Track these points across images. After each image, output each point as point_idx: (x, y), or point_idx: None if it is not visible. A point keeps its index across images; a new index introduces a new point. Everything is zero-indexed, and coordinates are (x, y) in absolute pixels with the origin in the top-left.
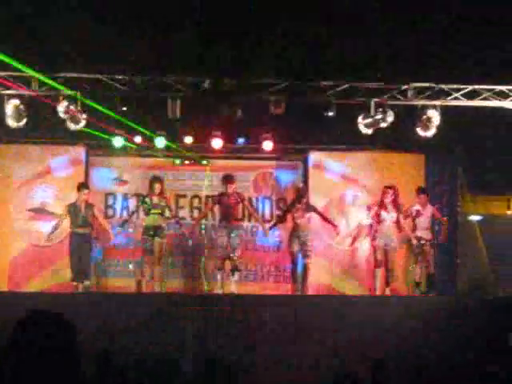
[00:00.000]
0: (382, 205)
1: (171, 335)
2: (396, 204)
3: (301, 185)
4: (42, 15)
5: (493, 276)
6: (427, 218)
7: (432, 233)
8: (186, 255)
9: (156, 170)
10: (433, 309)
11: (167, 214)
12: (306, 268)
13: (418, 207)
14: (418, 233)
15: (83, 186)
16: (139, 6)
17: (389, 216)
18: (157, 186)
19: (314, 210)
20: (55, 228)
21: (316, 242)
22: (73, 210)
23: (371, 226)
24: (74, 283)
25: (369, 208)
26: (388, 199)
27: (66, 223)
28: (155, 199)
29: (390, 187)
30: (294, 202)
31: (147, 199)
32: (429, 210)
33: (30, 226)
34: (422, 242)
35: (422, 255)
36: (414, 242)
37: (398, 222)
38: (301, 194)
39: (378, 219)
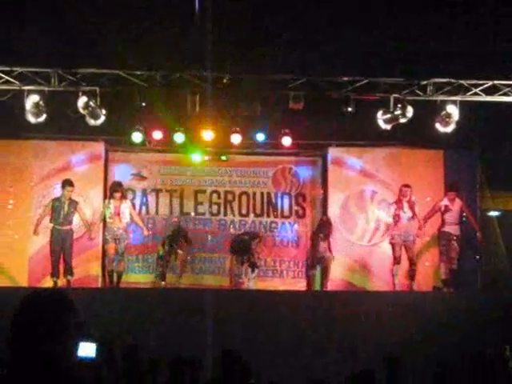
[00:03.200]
0: (399, 204)
1: (190, 331)
2: (411, 203)
3: (324, 217)
4: (61, 11)
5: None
6: (456, 212)
7: (460, 228)
8: (205, 251)
9: (175, 165)
10: (453, 305)
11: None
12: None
13: (446, 202)
14: (446, 228)
15: (67, 182)
16: (157, 3)
17: (405, 214)
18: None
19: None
20: (38, 221)
21: (335, 237)
22: (56, 205)
23: (389, 224)
24: (54, 279)
25: (389, 207)
26: (406, 198)
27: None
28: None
29: (406, 185)
30: (318, 234)
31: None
32: (457, 204)
33: (49, 221)
34: (450, 237)
35: (447, 252)
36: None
37: (413, 218)
38: (325, 224)
39: (397, 218)
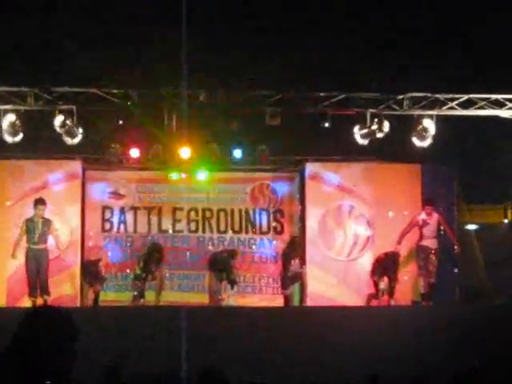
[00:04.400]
0: (380, 267)
1: (169, 348)
2: (394, 271)
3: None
4: (37, 30)
5: (490, 284)
6: (433, 226)
7: (438, 242)
8: (184, 268)
9: (152, 183)
10: (433, 319)
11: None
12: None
13: (423, 216)
14: (424, 242)
15: (39, 201)
16: (133, 17)
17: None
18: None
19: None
20: (16, 243)
21: (313, 252)
22: (30, 225)
23: (368, 238)
24: (32, 298)
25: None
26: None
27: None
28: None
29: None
30: (288, 254)
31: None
32: (435, 218)
33: (24, 241)
34: (428, 251)
35: (426, 265)
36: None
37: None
38: (296, 243)
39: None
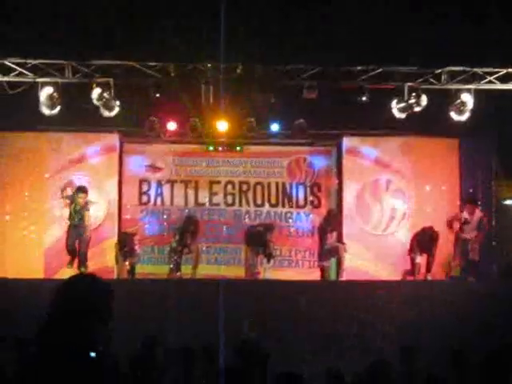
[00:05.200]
0: (417, 244)
1: (206, 322)
2: (431, 247)
3: (331, 210)
4: (74, 2)
5: None
6: (474, 223)
7: (478, 231)
8: (220, 242)
9: (189, 156)
10: (469, 293)
11: (205, 200)
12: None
13: (466, 215)
14: (464, 235)
15: (80, 189)
16: None
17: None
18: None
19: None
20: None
21: (350, 226)
22: (72, 207)
23: (406, 212)
24: (71, 269)
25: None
26: (425, 241)
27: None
28: None
29: (429, 228)
30: (325, 227)
31: None
32: (477, 216)
33: (64, 213)
34: (467, 242)
35: (464, 252)
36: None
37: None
38: (333, 217)
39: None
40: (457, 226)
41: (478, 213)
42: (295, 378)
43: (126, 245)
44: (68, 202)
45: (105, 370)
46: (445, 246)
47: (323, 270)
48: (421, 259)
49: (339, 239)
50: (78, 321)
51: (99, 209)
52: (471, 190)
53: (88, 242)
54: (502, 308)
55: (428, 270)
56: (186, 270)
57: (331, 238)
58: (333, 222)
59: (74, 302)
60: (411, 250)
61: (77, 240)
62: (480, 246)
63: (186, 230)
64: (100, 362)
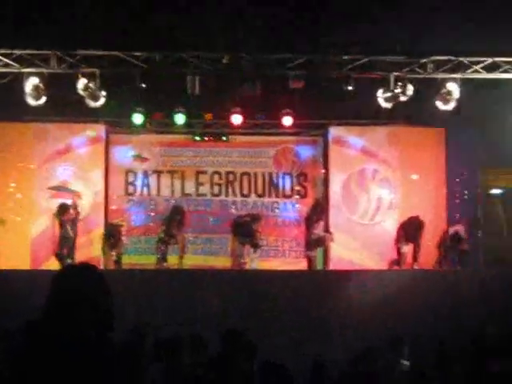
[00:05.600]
0: (404, 233)
1: (194, 311)
2: (417, 236)
3: (316, 199)
4: None
5: None
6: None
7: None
8: (207, 232)
9: (176, 147)
10: (454, 282)
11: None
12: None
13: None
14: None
15: (62, 208)
16: None
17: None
18: None
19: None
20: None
21: (336, 216)
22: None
23: (392, 201)
24: (59, 260)
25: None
26: (411, 230)
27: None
28: None
29: (415, 217)
30: (312, 217)
31: None
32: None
33: (51, 204)
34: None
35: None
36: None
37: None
38: (320, 206)
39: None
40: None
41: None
42: (279, 367)
43: (112, 236)
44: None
45: (103, 359)
46: (432, 236)
47: (310, 260)
48: (407, 248)
49: (326, 229)
50: (75, 310)
51: (85, 200)
52: (457, 180)
53: (75, 238)
54: (488, 296)
55: (414, 259)
56: (172, 261)
57: (318, 227)
58: (319, 211)
59: (71, 292)
60: (398, 240)
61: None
62: (468, 236)
63: (173, 220)
64: (98, 352)
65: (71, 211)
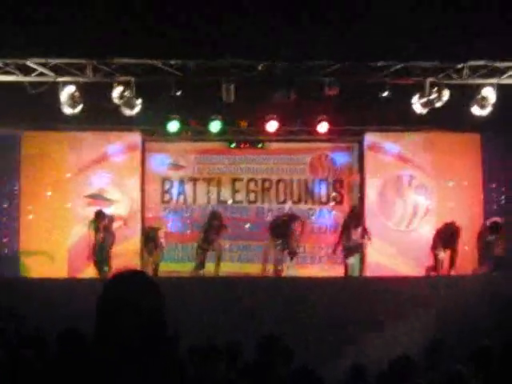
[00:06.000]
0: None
1: (230, 319)
2: (453, 242)
3: (354, 207)
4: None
5: None
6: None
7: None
8: (243, 239)
9: (211, 154)
10: (494, 288)
11: None
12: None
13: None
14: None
15: (97, 215)
16: None
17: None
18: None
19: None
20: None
21: (372, 222)
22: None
23: (428, 208)
24: (98, 269)
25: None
26: (446, 236)
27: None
28: None
29: (451, 223)
30: (349, 223)
31: None
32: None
33: (88, 212)
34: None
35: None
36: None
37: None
38: (357, 213)
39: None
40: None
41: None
42: (311, 372)
43: (151, 239)
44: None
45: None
46: (468, 242)
47: (347, 267)
48: (444, 255)
49: (363, 234)
50: (129, 320)
51: (122, 208)
52: (494, 186)
53: (111, 245)
54: None
55: (451, 265)
56: (209, 268)
57: (355, 234)
58: (357, 218)
59: (123, 301)
60: (434, 246)
61: (102, 240)
62: (505, 241)
63: (211, 226)
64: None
65: (107, 219)
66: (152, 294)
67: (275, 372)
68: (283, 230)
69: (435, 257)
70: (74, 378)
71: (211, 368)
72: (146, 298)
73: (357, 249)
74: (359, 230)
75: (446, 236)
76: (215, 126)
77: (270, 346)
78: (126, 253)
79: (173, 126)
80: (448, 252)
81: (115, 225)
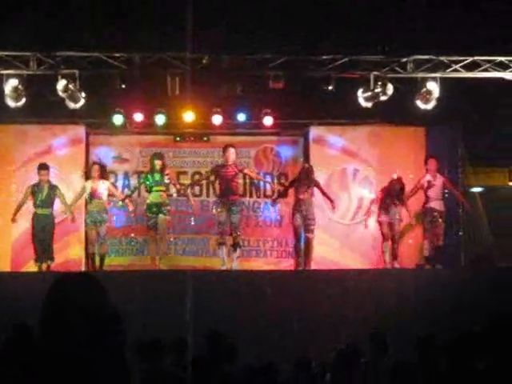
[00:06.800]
0: (387, 195)
1: (174, 312)
2: (401, 196)
3: (307, 165)
4: None
5: (495, 248)
6: (439, 188)
7: (444, 204)
8: (188, 233)
9: (156, 148)
10: (436, 282)
11: (172, 190)
12: (308, 243)
13: (428, 178)
14: (431, 204)
15: (42, 166)
16: None
17: (395, 208)
18: (157, 163)
19: (317, 185)
20: (17, 207)
21: (318, 216)
22: (35, 189)
23: (373, 201)
24: (38, 264)
25: (374, 201)
26: (394, 192)
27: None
28: (156, 176)
29: (397, 180)
30: (299, 178)
31: (149, 176)
32: (440, 179)
33: (30, 206)
34: (435, 213)
35: (432, 228)
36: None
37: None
38: (308, 171)
39: (384, 205)
40: (420, 194)
41: (441, 176)
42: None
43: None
44: (29, 190)
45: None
46: (415, 230)
47: (296, 229)
48: (396, 210)
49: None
50: (75, 320)
51: (66, 201)
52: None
53: (53, 231)
54: (470, 296)
55: (394, 257)
56: (152, 261)
57: (306, 191)
58: (307, 177)
59: (70, 302)
60: (381, 207)
61: (41, 231)
62: (443, 230)
63: None
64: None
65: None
66: (97, 293)
67: (220, 368)
68: None
69: (381, 224)
70: (21, 372)
71: (157, 362)
72: (92, 296)
73: (303, 207)
74: (309, 190)
75: (396, 191)
76: (160, 120)
77: (215, 342)
78: (70, 246)
79: (117, 120)
80: (390, 243)
81: (60, 217)
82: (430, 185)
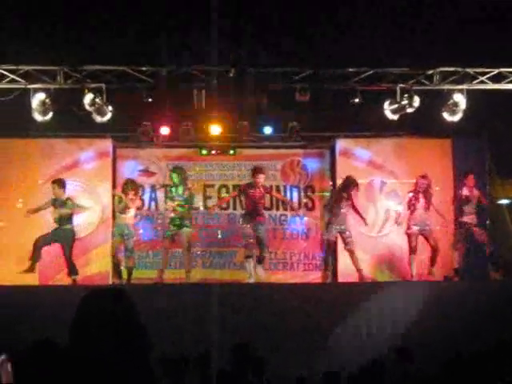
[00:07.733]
0: (416, 194)
1: (201, 325)
2: (428, 194)
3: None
4: (65, 8)
5: None
6: (474, 202)
7: (477, 217)
8: (215, 246)
9: (183, 161)
10: (465, 294)
11: (200, 203)
12: (352, 255)
13: (466, 192)
14: (465, 218)
15: (56, 182)
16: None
17: (420, 205)
18: (175, 176)
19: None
20: (37, 209)
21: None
22: (55, 204)
23: (400, 214)
24: (72, 277)
25: (404, 196)
26: (422, 189)
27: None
28: (180, 189)
29: (423, 177)
30: (340, 192)
31: (173, 189)
32: (476, 194)
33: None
34: (468, 226)
35: (464, 241)
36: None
37: (428, 209)
38: (348, 183)
39: (412, 208)
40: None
41: (476, 191)
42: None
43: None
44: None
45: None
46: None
47: (329, 244)
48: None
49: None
50: (105, 335)
51: (93, 215)
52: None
53: (72, 246)
54: (500, 308)
55: (432, 263)
56: (180, 275)
57: (345, 206)
58: (348, 189)
59: (99, 316)
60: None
61: (62, 246)
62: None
63: None
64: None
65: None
66: (126, 307)
67: (247, 380)
68: None
69: (409, 237)
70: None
71: (182, 377)
72: (122, 312)
73: (341, 222)
74: (350, 204)
75: (422, 187)
76: (188, 133)
77: (241, 355)
78: (96, 260)
79: (144, 133)
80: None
81: (87, 230)
82: (467, 199)
